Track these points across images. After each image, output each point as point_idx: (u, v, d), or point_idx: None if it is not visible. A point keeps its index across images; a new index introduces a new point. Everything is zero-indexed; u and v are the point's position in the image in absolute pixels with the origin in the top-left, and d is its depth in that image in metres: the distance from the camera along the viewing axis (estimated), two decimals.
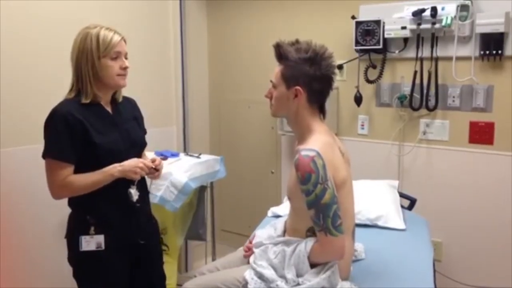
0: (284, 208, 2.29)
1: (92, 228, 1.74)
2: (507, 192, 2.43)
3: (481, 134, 2.49)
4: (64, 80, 2.61)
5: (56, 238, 2.61)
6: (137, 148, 1.88)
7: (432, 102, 2.58)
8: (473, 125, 2.51)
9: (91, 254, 1.75)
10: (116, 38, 1.74)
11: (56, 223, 2.63)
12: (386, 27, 2.56)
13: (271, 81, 1.64)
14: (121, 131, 1.81)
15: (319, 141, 1.53)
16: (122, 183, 1.76)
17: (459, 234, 2.61)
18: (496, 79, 2.42)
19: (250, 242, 1.82)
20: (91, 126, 1.71)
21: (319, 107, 1.63)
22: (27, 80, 2.46)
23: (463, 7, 2.34)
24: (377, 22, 2.58)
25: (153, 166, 1.82)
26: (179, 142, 3.33)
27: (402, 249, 2.00)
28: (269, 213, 2.40)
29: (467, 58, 2.43)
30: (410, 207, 2.50)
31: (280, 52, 1.59)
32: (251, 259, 1.67)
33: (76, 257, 1.79)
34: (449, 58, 2.47)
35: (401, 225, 2.20)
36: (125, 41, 1.79)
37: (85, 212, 1.76)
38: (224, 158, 2.95)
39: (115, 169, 1.71)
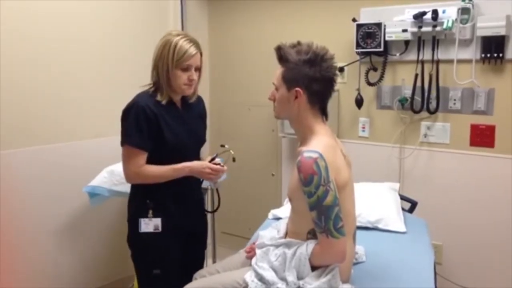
0: (284, 210, 2.29)
1: (151, 212, 1.93)
2: (508, 195, 2.43)
3: (482, 137, 2.49)
4: (65, 82, 2.62)
5: (55, 238, 2.62)
6: (199, 143, 2.09)
7: (433, 105, 2.58)
8: (474, 128, 2.51)
9: (148, 236, 1.93)
10: (191, 51, 1.86)
11: (55, 224, 2.63)
12: (387, 29, 2.57)
13: (273, 83, 1.64)
14: (188, 128, 1.99)
15: (321, 143, 1.53)
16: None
17: (460, 237, 2.60)
18: (497, 82, 2.42)
19: (254, 243, 1.82)
20: (163, 122, 1.88)
21: (321, 109, 1.62)
22: (27, 82, 2.46)
23: (464, 10, 2.34)
24: (378, 25, 2.58)
25: (222, 167, 1.99)
26: None
27: (403, 252, 2.00)
28: (270, 215, 2.39)
29: (468, 61, 2.43)
30: (411, 210, 2.49)
31: (281, 54, 1.59)
32: (253, 260, 1.67)
33: (135, 238, 1.97)
34: (450, 61, 2.47)
35: (402, 228, 2.20)
36: (201, 54, 1.92)
37: (145, 196, 1.94)
38: (224, 160, 2.94)
39: (187, 169, 1.91)
